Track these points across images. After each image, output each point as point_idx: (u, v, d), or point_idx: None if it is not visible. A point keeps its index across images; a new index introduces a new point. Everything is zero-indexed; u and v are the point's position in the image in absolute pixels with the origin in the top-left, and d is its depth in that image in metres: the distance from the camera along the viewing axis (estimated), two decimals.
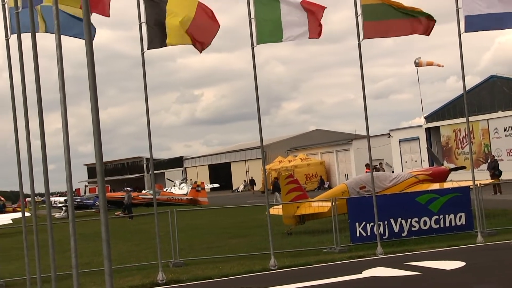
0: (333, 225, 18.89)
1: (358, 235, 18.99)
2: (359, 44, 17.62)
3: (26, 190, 13.81)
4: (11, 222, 36.46)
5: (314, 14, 16.67)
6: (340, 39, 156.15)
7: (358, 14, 17.39)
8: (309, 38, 16.84)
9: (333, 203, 19.58)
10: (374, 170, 28.16)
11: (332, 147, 72.53)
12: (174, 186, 74.69)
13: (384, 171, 45.99)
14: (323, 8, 16.81)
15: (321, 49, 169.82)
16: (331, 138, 78.01)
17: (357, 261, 16.74)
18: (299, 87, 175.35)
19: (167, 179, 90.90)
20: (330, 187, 58.29)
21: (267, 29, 16.81)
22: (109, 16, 15.25)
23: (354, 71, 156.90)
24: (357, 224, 19.01)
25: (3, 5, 13.40)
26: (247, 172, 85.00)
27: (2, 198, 70.93)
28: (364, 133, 19.11)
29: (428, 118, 58.74)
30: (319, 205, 22.55)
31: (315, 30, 16.80)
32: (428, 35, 17.86)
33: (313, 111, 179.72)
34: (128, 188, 50.59)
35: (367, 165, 39.60)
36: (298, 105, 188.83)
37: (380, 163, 53.30)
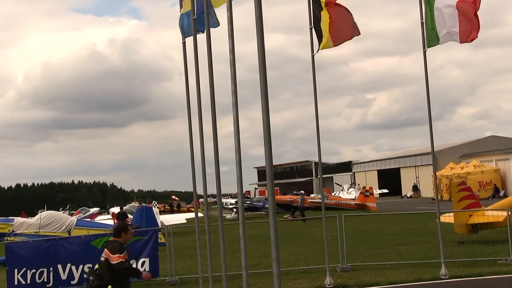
0: (509, 235, 18.04)
1: None
2: None
3: (200, 191, 14.25)
4: (185, 221, 38.01)
5: (469, 16, 15.77)
6: None
7: None
8: (460, 42, 15.96)
9: (509, 213, 18.68)
10: None
11: (508, 154, 69.15)
12: (342, 190, 74.49)
13: None
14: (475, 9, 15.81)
15: (501, 52, 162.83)
16: (507, 145, 74.42)
17: None
18: (475, 91, 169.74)
19: (335, 183, 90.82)
20: (505, 196, 55.65)
21: (434, 32, 16.31)
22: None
23: None
24: None
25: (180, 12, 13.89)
26: (417, 178, 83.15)
27: (177, 198, 74.02)
28: None
29: None
30: (493, 214, 21.60)
31: (469, 34, 15.82)
32: None
33: (489, 116, 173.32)
34: (302, 191, 51.06)
35: None
36: (474, 110, 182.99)
37: None
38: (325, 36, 15.94)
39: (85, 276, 10.59)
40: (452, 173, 66.83)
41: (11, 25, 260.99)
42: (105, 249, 10.30)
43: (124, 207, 47.27)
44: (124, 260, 10.08)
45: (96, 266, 10.46)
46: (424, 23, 16.40)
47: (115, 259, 10.01)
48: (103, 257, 10.25)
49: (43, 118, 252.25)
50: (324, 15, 15.88)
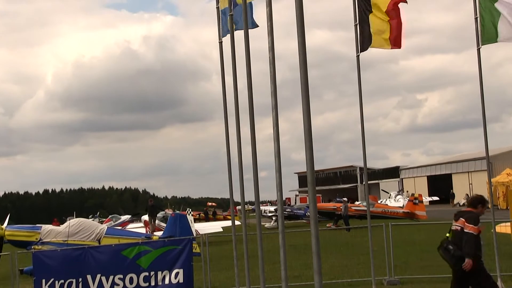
0: None
1: None
2: None
3: (237, 198, 14.25)
4: (221, 230, 38.09)
5: None
6: None
7: None
8: None
9: None
10: None
11: None
12: (389, 198, 73.96)
13: None
14: None
15: None
16: None
17: None
18: None
19: (382, 190, 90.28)
20: None
21: (490, 29, 16.13)
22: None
23: None
24: None
25: (217, 8, 13.92)
26: (470, 185, 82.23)
27: (214, 204, 74.38)
28: None
29: None
30: None
31: None
32: None
33: None
34: (345, 199, 50.87)
35: None
36: None
37: None
38: (380, 37, 15.91)
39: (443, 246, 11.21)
40: (508, 180, 65.92)
41: (42, 21, 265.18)
42: (461, 218, 10.95)
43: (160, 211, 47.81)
44: (476, 234, 10.70)
45: (448, 235, 11.00)
46: (478, 19, 16.21)
47: (469, 228, 10.65)
48: (457, 226, 10.79)
49: (74, 120, 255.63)
50: (376, 16, 15.86)
